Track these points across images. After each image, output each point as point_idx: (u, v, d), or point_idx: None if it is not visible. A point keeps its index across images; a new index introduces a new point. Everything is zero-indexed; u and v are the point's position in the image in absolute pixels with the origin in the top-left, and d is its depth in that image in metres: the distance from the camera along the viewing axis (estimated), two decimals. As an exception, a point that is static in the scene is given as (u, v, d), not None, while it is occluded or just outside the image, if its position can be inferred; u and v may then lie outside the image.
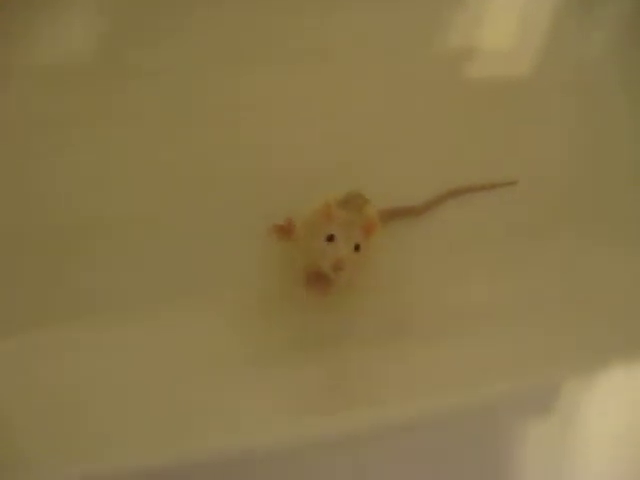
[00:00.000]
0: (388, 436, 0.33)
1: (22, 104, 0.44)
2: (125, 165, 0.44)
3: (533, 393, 0.38)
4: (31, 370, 0.36)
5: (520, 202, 0.47)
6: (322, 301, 0.38)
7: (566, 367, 0.40)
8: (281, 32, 0.49)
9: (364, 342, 0.40)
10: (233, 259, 0.42)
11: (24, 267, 0.40)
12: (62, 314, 0.38)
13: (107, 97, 0.45)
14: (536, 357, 0.40)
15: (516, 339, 0.40)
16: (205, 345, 0.39)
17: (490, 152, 0.48)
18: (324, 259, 0.34)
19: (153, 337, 0.39)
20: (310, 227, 0.37)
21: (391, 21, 0.51)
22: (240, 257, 0.42)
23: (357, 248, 0.35)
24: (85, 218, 0.41)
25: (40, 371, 0.36)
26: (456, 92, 0.50)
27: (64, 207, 0.42)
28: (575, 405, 0.37)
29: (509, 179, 0.47)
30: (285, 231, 0.41)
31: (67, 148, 0.44)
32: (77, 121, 0.44)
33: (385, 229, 0.42)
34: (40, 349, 0.37)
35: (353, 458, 0.31)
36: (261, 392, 0.37)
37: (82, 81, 0.45)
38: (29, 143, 0.43)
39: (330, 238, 0.34)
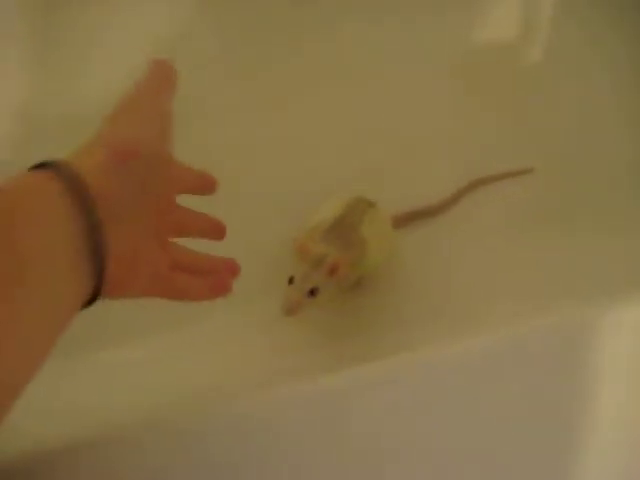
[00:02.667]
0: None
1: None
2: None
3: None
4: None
5: (540, 190, 0.48)
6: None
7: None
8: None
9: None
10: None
11: None
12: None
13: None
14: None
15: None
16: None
17: (504, 142, 0.50)
18: (283, 301, 0.35)
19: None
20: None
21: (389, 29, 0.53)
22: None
23: (313, 292, 0.35)
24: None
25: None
26: (462, 87, 0.52)
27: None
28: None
29: (525, 167, 0.48)
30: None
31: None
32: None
33: (404, 232, 0.46)
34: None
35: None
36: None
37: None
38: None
39: (290, 280, 0.35)
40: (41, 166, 0.21)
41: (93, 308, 0.23)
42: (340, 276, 0.35)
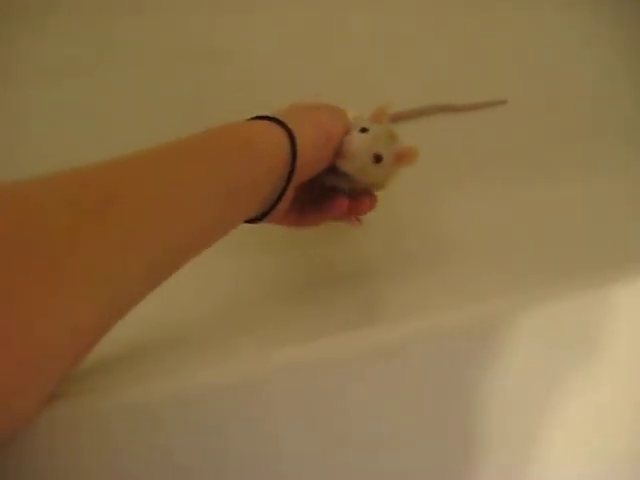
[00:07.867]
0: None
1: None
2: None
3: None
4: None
5: (510, 123, 0.47)
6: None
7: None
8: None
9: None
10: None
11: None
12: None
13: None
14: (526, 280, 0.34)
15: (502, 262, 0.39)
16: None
17: (484, 71, 0.48)
18: (348, 144, 0.33)
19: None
20: None
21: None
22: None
23: (378, 159, 0.32)
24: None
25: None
26: (448, 11, 0.48)
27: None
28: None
29: (499, 98, 0.47)
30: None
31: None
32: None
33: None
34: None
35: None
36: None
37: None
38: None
39: (363, 130, 0.32)
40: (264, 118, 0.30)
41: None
42: (401, 164, 0.34)
